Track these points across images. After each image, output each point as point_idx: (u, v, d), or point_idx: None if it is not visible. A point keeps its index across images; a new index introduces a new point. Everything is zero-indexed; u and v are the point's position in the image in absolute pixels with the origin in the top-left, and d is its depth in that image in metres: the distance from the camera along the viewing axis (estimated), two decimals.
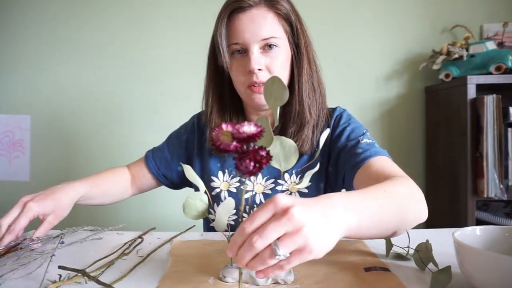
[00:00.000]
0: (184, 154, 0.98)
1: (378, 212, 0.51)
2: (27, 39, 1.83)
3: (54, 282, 0.56)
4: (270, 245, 0.41)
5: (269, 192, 0.87)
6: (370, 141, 0.82)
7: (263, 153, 0.44)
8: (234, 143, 0.45)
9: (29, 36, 1.83)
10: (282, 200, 0.42)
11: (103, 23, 1.82)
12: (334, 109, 0.93)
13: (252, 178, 0.89)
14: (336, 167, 0.86)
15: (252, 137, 0.45)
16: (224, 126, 0.47)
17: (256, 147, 0.44)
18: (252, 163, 0.43)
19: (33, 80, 1.84)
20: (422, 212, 0.61)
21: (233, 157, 0.45)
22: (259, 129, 0.45)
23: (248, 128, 0.46)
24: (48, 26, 1.82)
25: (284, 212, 0.41)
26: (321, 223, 0.42)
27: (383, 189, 0.56)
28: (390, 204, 0.55)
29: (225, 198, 0.88)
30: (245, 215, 0.88)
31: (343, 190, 0.85)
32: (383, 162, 0.74)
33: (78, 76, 1.84)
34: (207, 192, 0.58)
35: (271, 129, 0.51)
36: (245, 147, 0.45)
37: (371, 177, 0.71)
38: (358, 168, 0.75)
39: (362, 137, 0.83)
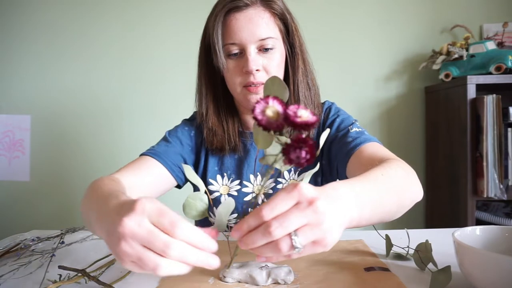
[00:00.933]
0: (194, 149, 0.93)
1: (378, 199, 0.51)
2: (27, 39, 1.83)
3: (54, 282, 0.56)
4: (288, 235, 0.39)
5: (270, 191, 0.88)
6: (360, 129, 0.83)
7: (312, 143, 0.39)
8: (279, 122, 0.40)
9: (30, 36, 1.83)
10: (308, 190, 0.41)
11: (103, 24, 1.82)
12: (323, 103, 0.94)
13: (252, 179, 0.89)
14: (328, 159, 0.87)
15: (308, 125, 0.39)
16: (270, 100, 0.41)
17: (304, 136, 0.40)
18: (307, 155, 0.39)
19: (33, 80, 1.84)
20: (417, 192, 0.62)
21: (286, 143, 0.40)
22: (316, 117, 0.41)
23: (305, 113, 0.40)
24: (48, 27, 1.82)
25: (309, 203, 0.40)
26: (338, 217, 0.42)
27: (380, 173, 0.56)
28: (388, 188, 0.55)
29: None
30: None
31: (337, 180, 0.86)
32: (374, 147, 0.75)
33: (78, 76, 1.84)
34: (207, 192, 0.58)
35: None
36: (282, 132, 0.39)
37: (363, 163, 0.71)
38: (350, 156, 0.76)
39: (351, 126, 0.84)
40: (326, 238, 0.40)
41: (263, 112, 0.41)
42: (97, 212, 0.49)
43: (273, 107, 0.41)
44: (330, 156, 0.86)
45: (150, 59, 1.82)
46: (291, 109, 0.40)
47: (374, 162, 0.66)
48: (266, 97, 0.42)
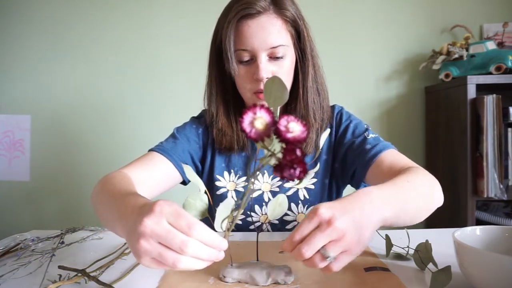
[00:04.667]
0: (201, 147, 0.94)
1: (406, 202, 0.57)
2: (27, 39, 1.83)
3: (54, 282, 0.56)
4: (318, 252, 0.46)
5: (277, 189, 0.88)
6: (375, 135, 0.86)
7: (300, 153, 0.40)
8: (268, 133, 0.40)
9: (30, 36, 1.83)
10: (325, 213, 0.47)
11: (105, 24, 1.82)
12: (332, 107, 0.94)
13: (259, 177, 0.89)
14: (343, 164, 0.89)
15: (300, 141, 0.40)
16: (258, 110, 0.41)
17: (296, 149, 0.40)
18: (301, 174, 0.40)
19: (33, 80, 1.84)
20: (439, 198, 0.68)
21: (279, 163, 0.41)
22: (306, 131, 0.41)
23: (297, 127, 0.40)
24: (48, 26, 1.82)
25: (328, 224, 0.46)
26: (360, 226, 0.48)
27: (406, 180, 0.61)
28: (415, 194, 0.60)
29: (232, 198, 0.88)
30: (252, 214, 0.88)
31: (349, 183, 0.91)
32: (393, 155, 0.79)
33: (79, 76, 1.84)
34: (207, 192, 0.58)
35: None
36: (276, 146, 0.40)
37: (385, 172, 0.76)
38: (371, 164, 0.79)
39: (367, 132, 0.86)
40: (352, 247, 0.47)
41: (251, 123, 0.41)
42: (116, 212, 0.53)
43: (262, 118, 0.41)
44: (345, 161, 0.88)
45: (152, 59, 1.82)
46: (282, 123, 0.40)
47: (395, 171, 0.72)
48: (253, 106, 0.41)
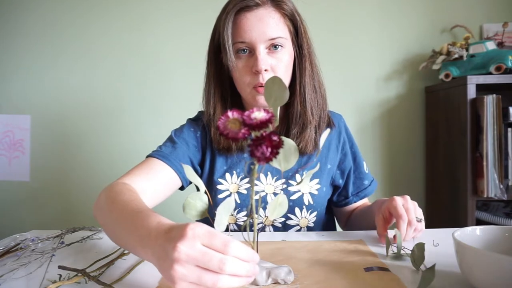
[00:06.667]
0: (200, 150, 0.93)
1: None
2: (28, 39, 1.83)
3: (54, 282, 0.56)
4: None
5: (280, 192, 0.88)
6: (364, 163, 0.99)
7: (276, 137, 0.43)
8: (243, 130, 0.43)
9: (30, 36, 1.83)
10: (399, 199, 0.72)
11: (104, 23, 1.82)
12: (332, 113, 0.96)
13: (262, 177, 0.89)
14: (342, 176, 0.95)
15: (264, 123, 0.43)
16: (230, 113, 0.45)
17: (267, 132, 0.43)
18: (269, 149, 0.42)
19: (33, 80, 1.84)
20: None
21: (248, 144, 0.44)
22: (270, 115, 0.44)
23: (259, 114, 0.44)
24: (48, 26, 1.83)
25: (405, 199, 0.72)
26: None
27: None
28: None
29: (235, 200, 0.88)
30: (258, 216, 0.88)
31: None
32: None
33: (79, 76, 1.84)
34: (207, 192, 0.58)
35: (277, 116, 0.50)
36: (254, 133, 0.43)
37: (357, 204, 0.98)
38: (362, 198, 0.96)
39: (363, 161, 0.98)
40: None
41: (226, 127, 0.44)
42: (135, 233, 0.52)
43: (233, 119, 0.45)
44: (343, 174, 0.96)
45: (152, 59, 1.82)
46: (246, 114, 0.44)
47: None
48: (226, 111, 0.46)
